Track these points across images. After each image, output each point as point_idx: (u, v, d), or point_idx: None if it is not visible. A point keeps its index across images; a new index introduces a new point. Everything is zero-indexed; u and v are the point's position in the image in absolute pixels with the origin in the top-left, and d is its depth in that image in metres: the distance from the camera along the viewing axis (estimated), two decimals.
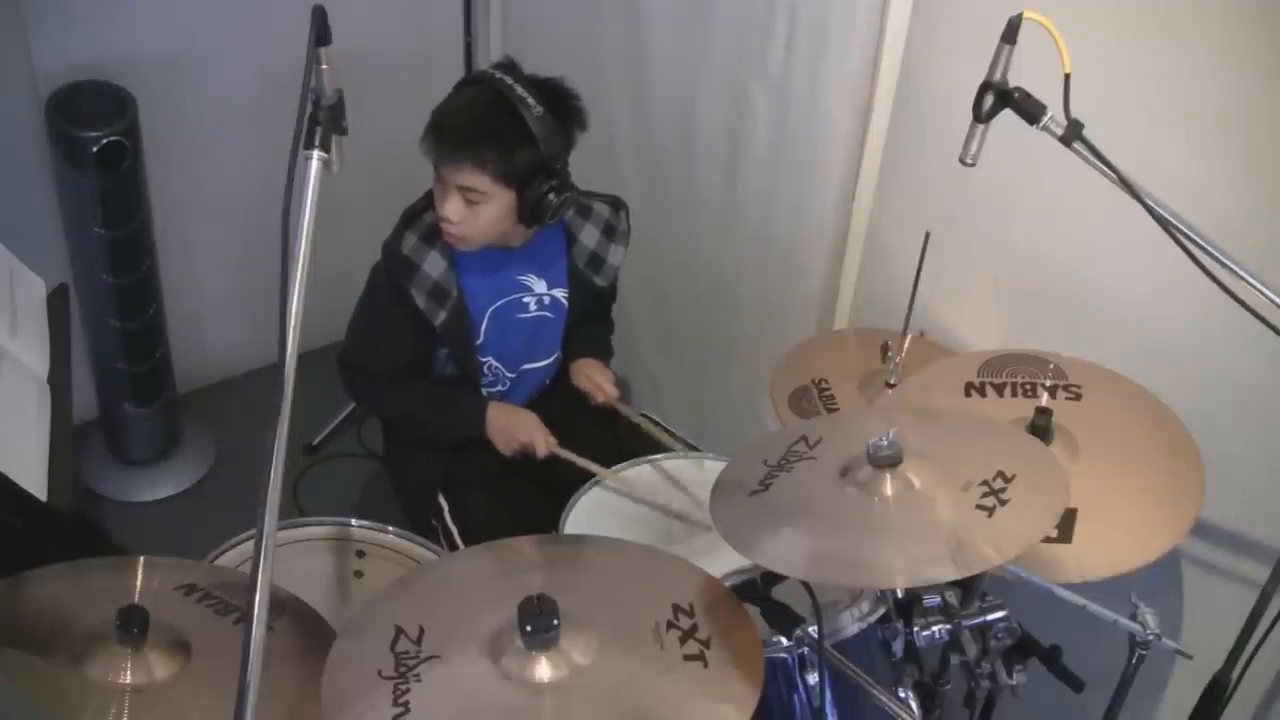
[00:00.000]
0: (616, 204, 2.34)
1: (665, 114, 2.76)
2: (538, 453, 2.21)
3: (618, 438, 2.33)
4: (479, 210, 2.08)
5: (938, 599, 1.71)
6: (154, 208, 2.70)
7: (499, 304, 2.24)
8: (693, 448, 2.28)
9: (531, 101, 2.03)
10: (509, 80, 2.05)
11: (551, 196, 2.09)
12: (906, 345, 2.13)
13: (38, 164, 2.62)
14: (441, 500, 2.27)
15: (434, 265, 2.16)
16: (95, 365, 2.86)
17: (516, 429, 2.24)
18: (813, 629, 1.57)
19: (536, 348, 2.34)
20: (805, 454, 1.68)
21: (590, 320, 2.42)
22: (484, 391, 2.32)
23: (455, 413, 2.28)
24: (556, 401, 2.39)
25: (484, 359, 2.27)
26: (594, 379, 2.34)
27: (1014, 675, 1.72)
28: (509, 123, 2.03)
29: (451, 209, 2.08)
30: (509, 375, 2.32)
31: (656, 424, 2.33)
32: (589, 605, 1.51)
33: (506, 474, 2.28)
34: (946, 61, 2.16)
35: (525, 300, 2.27)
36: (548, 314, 2.31)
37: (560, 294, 2.30)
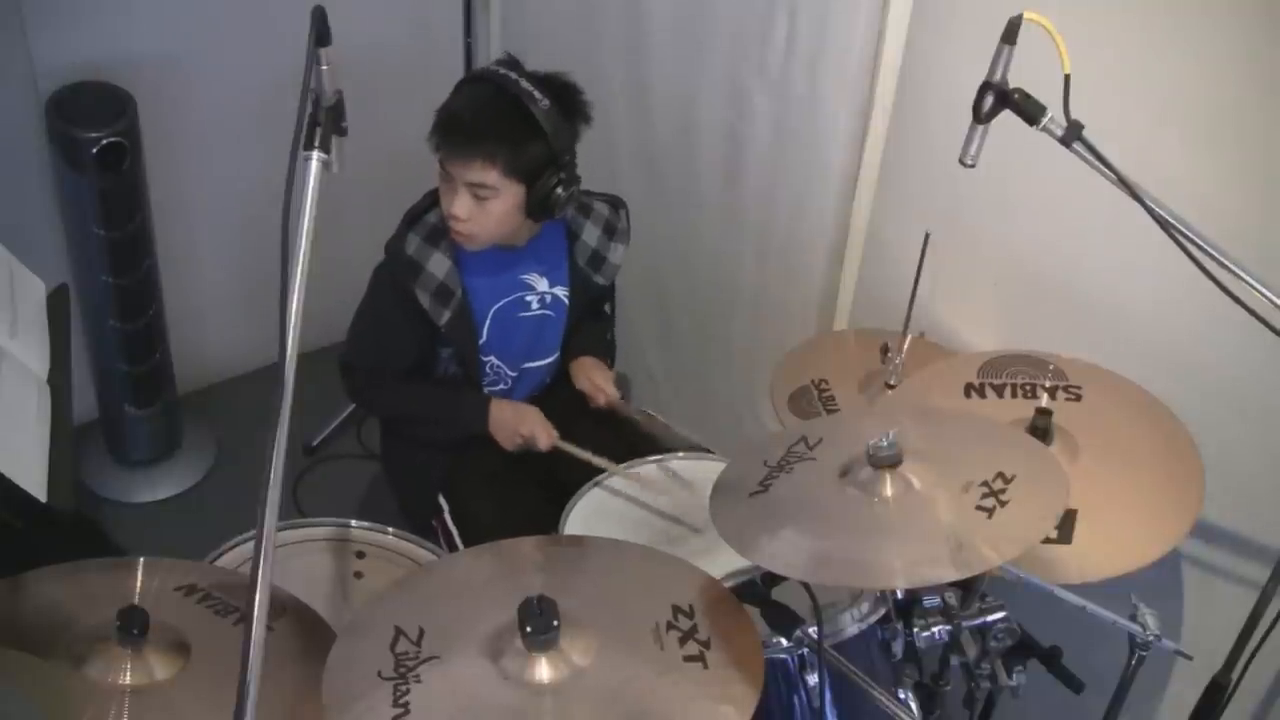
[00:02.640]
0: (615, 203, 2.35)
1: (665, 114, 2.76)
2: (540, 446, 2.21)
3: (620, 437, 2.32)
4: (488, 207, 2.08)
5: (938, 600, 1.71)
6: (154, 208, 2.70)
7: (501, 303, 2.25)
8: (697, 446, 2.28)
9: (538, 95, 2.04)
10: (513, 76, 2.06)
11: (560, 190, 2.10)
12: (906, 346, 2.13)
13: (38, 164, 2.62)
14: (441, 501, 2.27)
15: (438, 265, 2.16)
16: (95, 366, 2.86)
17: (519, 423, 2.23)
18: (812, 630, 1.57)
19: (538, 346, 2.34)
20: (805, 455, 1.68)
21: (589, 317, 2.42)
22: (485, 390, 2.33)
23: (458, 410, 2.28)
24: (558, 400, 2.39)
25: (486, 358, 2.27)
26: (594, 380, 2.34)
27: (1014, 676, 1.72)
28: (517, 117, 2.04)
29: (460, 207, 2.08)
30: (510, 374, 2.32)
31: (657, 419, 2.32)
32: (589, 606, 1.51)
33: (507, 474, 2.28)
34: (946, 62, 2.16)
35: (528, 299, 2.28)
36: (549, 313, 2.31)
37: (562, 292, 2.30)
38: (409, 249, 2.16)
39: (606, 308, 2.50)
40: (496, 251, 2.20)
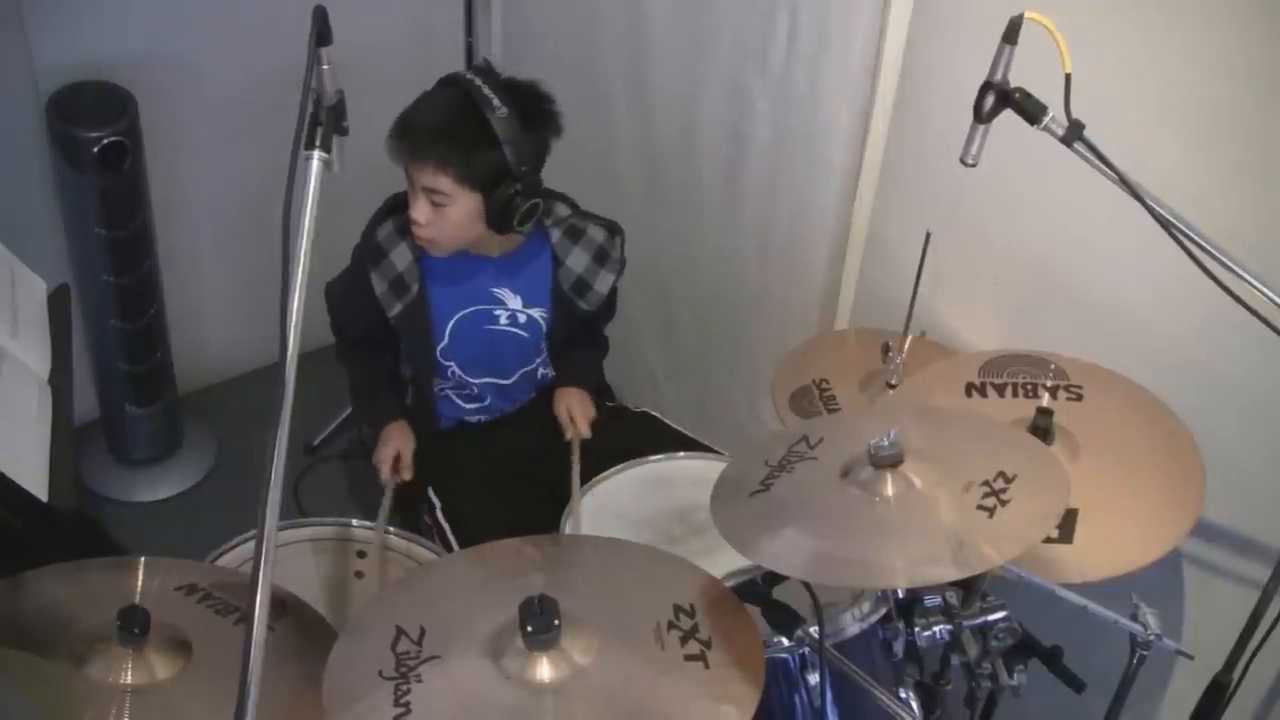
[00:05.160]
0: (613, 229, 2.31)
1: (666, 113, 2.76)
2: (382, 477, 2.25)
3: (615, 443, 2.30)
4: (445, 213, 2.07)
5: (939, 599, 1.71)
6: (155, 207, 2.70)
7: (466, 311, 2.23)
8: (704, 448, 2.27)
9: (497, 103, 2.00)
10: (478, 82, 2.03)
11: (518, 201, 2.06)
12: (907, 345, 2.13)
13: (38, 164, 2.62)
14: (433, 497, 2.27)
15: (401, 257, 2.16)
16: (96, 365, 2.86)
17: (381, 448, 2.26)
18: (814, 629, 1.57)
19: (503, 362, 2.31)
20: (806, 454, 1.68)
21: (580, 343, 2.41)
22: (454, 397, 2.32)
23: (373, 405, 2.34)
24: (550, 414, 2.37)
25: (447, 362, 2.26)
26: (572, 411, 2.32)
27: (1015, 675, 1.72)
28: (473, 125, 2.01)
29: (419, 212, 2.07)
30: (474, 382, 2.31)
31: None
32: (590, 606, 1.51)
33: (495, 470, 2.28)
34: (947, 61, 2.16)
35: (496, 313, 2.25)
36: (521, 333, 2.28)
37: (538, 314, 2.28)
38: (379, 234, 2.17)
39: (607, 331, 2.48)
40: (468, 259, 2.19)
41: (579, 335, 2.39)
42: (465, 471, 2.29)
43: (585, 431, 2.30)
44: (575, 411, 2.32)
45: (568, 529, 2.04)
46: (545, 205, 2.15)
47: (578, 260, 2.26)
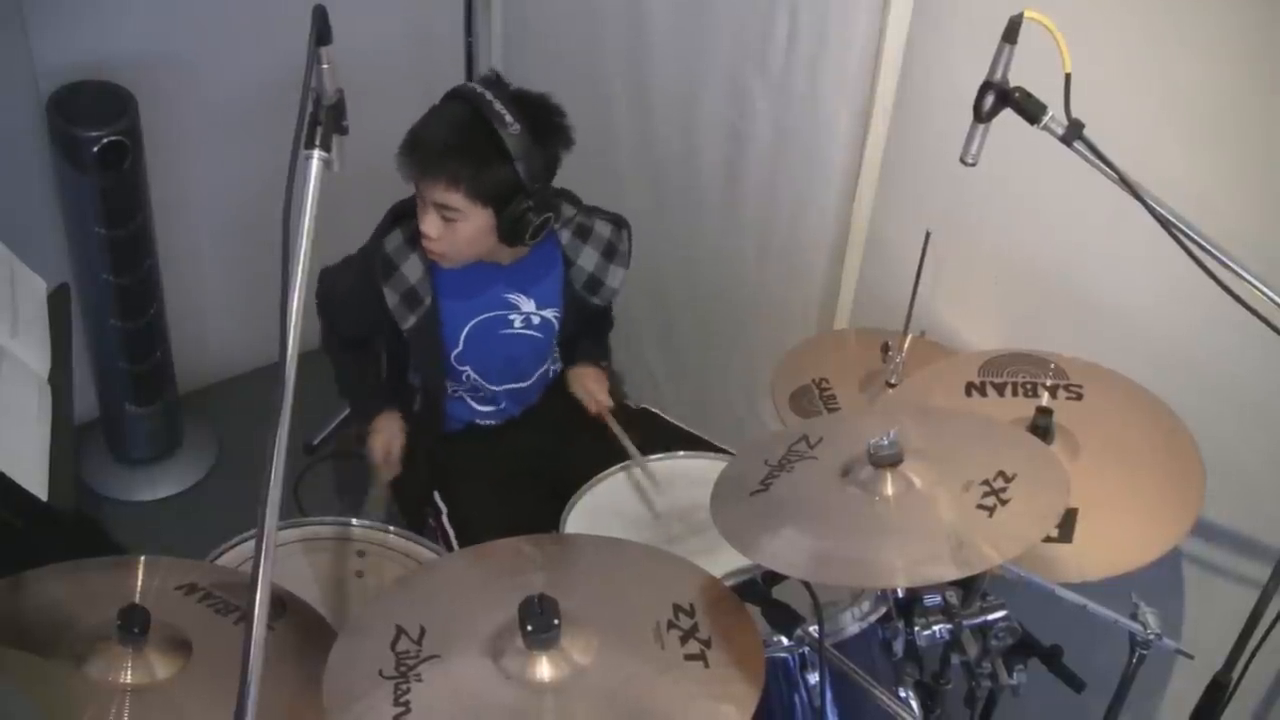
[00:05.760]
0: (619, 223, 2.30)
1: (666, 113, 2.76)
2: (375, 460, 2.27)
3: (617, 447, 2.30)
4: (456, 228, 2.05)
5: (938, 598, 1.71)
6: (155, 207, 2.70)
7: (480, 319, 2.23)
8: (706, 444, 2.27)
9: (509, 118, 1.98)
10: (489, 96, 2.00)
11: (530, 216, 2.05)
12: (907, 345, 2.13)
13: (38, 164, 2.62)
14: (439, 502, 2.27)
15: (413, 269, 2.15)
16: (96, 365, 2.86)
17: (373, 442, 2.27)
18: (813, 629, 1.57)
19: (520, 366, 2.31)
20: (806, 454, 1.68)
21: (590, 327, 2.41)
22: (469, 399, 2.32)
23: (364, 400, 2.34)
24: (555, 413, 2.37)
25: (462, 368, 2.26)
26: (589, 388, 2.32)
27: (1014, 675, 1.73)
28: (484, 140, 1.99)
29: (430, 226, 2.06)
30: (492, 389, 2.31)
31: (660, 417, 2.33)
32: (590, 605, 1.51)
33: (503, 473, 2.28)
34: (947, 61, 2.16)
35: (511, 318, 2.25)
36: (536, 334, 2.28)
37: (551, 314, 2.27)
38: (388, 246, 2.15)
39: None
40: (479, 267, 2.18)
41: (586, 328, 2.39)
42: (471, 475, 2.28)
43: (607, 402, 2.30)
44: (592, 386, 2.32)
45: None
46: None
47: (588, 259, 2.26)
